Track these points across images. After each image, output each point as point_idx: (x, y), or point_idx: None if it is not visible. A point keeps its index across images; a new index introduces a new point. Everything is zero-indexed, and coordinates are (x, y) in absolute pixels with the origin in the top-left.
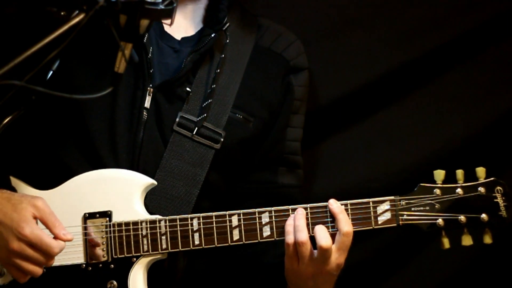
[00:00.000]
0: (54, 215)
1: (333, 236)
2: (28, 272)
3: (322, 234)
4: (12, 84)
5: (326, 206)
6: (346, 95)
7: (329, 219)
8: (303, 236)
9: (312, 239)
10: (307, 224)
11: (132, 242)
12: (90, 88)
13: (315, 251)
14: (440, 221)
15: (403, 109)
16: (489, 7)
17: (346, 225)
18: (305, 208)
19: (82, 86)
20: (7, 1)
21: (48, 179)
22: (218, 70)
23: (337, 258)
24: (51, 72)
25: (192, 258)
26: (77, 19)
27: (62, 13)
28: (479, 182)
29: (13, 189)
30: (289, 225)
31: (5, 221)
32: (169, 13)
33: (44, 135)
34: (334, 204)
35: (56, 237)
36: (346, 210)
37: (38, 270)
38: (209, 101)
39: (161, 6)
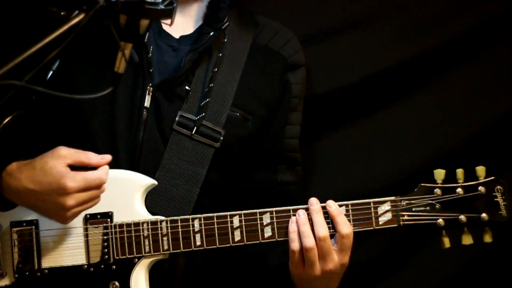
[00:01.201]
0: (81, 151)
1: (333, 236)
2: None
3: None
4: (12, 84)
5: (325, 207)
6: (346, 94)
7: (328, 220)
8: (310, 242)
9: None
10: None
11: (134, 243)
12: (90, 88)
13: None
14: (440, 221)
15: (403, 108)
16: (489, 7)
17: (345, 227)
18: (306, 209)
19: (82, 86)
20: (8, 1)
21: None
22: (216, 69)
23: (341, 259)
24: (51, 72)
25: (192, 257)
26: (77, 19)
27: (62, 13)
28: (479, 181)
29: None
30: (293, 232)
31: (44, 188)
32: (169, 13)
33: (44, 135)
34: (333, 206)
35: (97, 166)
36: (347, 210)
37: (97, 201)
38: (207, 100)
39: (161, 6)
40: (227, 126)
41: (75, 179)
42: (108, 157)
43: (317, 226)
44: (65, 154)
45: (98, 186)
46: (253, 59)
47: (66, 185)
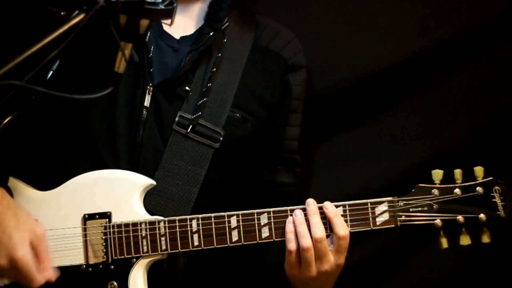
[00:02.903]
0: (48, 250)
1: (329, 236)
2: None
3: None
4: (12, 84)
5: (321, 208)
6: (345, 96)
7: (325, 221)
8: (307, 242)
9: None
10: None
11: (132, 243)
12: (90, 88)
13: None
14: (438, 221)
15: (402, 109)
16: (490, 7)
17: (341, 228)
18: (303, 210)
19: (82, 86)
20: (8, 2)
21: (48, 179)
22: (214, 69)
23: (337, 259)
24: (51, 72)
25: (192, 257)
26: (77, 19)
27: (62, 13)
28: (477, 182)
29: (10, 191)
30: (290, 232)
31: (3, 238)
32: (169, 13)
33: (44, 135)
34: (330, 208)
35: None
36: (344, 211)
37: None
38: (204, 99)
39: (161, 6)
40: (227, 126)
41: (24, 256)
42: (52, 277)
43: (313, 227)
44: (40, 237)
45: (25, 281)
46: (254, 60)
47: (17, 253)
